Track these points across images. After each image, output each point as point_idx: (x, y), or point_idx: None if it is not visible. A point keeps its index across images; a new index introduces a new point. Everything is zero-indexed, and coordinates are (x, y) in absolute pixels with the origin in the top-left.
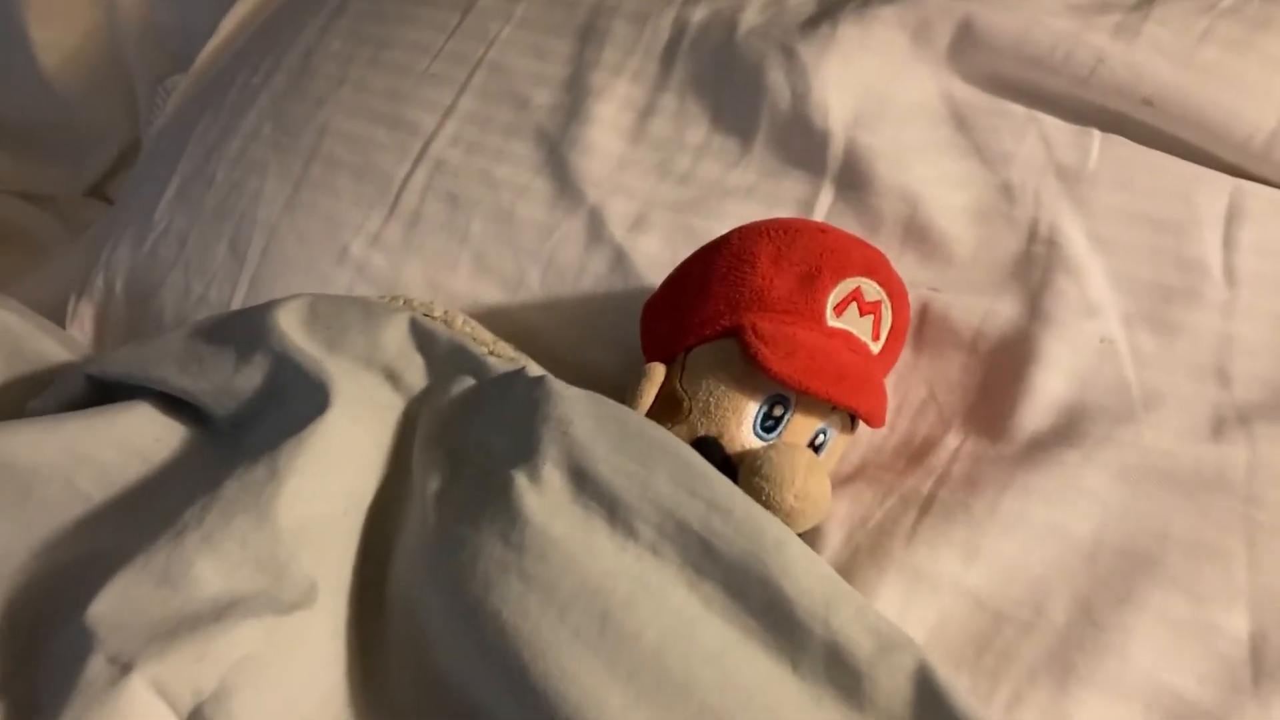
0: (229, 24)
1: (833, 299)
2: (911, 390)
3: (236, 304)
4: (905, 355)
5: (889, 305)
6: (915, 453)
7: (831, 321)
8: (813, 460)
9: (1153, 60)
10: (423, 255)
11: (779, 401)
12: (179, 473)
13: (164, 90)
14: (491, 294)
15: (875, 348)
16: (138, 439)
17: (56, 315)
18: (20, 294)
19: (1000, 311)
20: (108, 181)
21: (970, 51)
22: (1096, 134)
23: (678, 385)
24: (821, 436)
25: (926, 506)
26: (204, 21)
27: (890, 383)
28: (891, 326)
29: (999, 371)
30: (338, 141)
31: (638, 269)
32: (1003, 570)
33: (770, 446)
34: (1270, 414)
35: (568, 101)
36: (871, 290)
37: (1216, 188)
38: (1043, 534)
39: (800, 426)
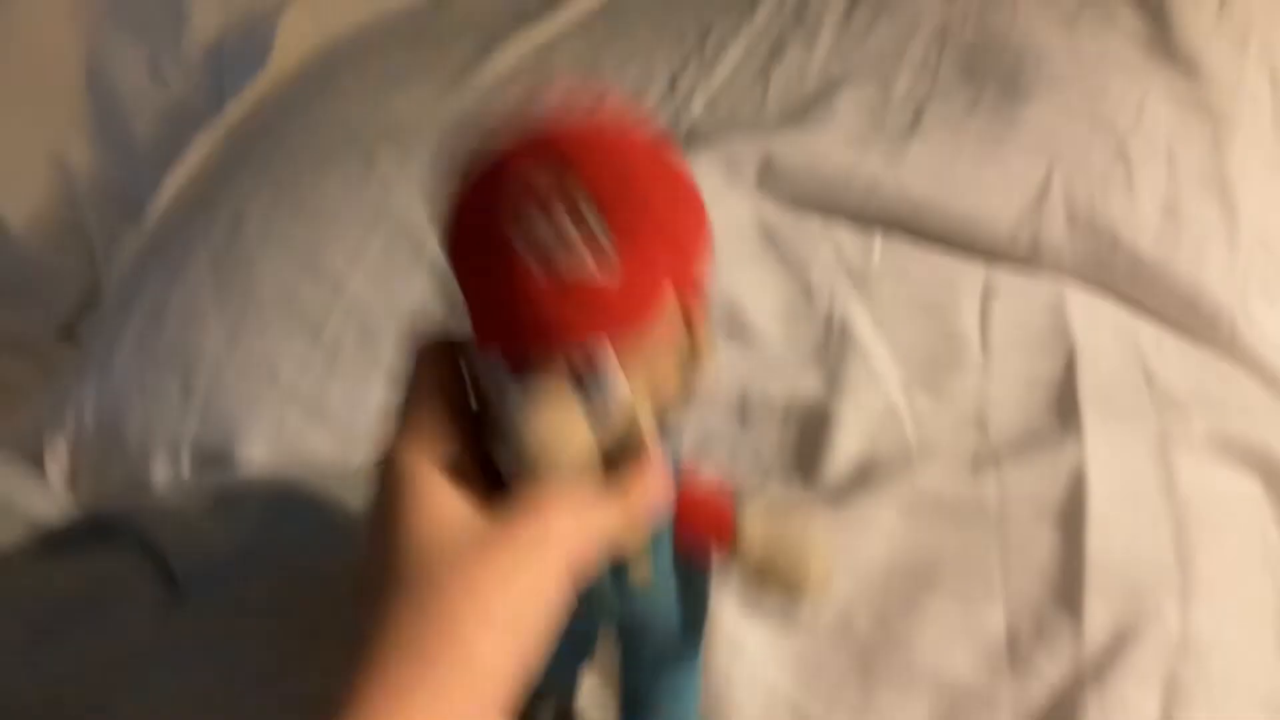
0: (171, 185)
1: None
2: (739, 455)
3: (190, 430)
4: (732, 428)
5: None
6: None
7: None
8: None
9: (916, 180)
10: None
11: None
12: None
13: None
14: None
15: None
16: None
17: (37, 453)
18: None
19: (806, 387)
20: (76, 321)
21: (772, 181)
22: (879, 237)
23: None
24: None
25: None
26: (148, 172)
27: (723, 449)
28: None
29: (807, 435)
30: (267, 291)
31: None
32: None
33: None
34: (1016, 454)
35: None
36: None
37: (973, 273)
38: (846, 560)
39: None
